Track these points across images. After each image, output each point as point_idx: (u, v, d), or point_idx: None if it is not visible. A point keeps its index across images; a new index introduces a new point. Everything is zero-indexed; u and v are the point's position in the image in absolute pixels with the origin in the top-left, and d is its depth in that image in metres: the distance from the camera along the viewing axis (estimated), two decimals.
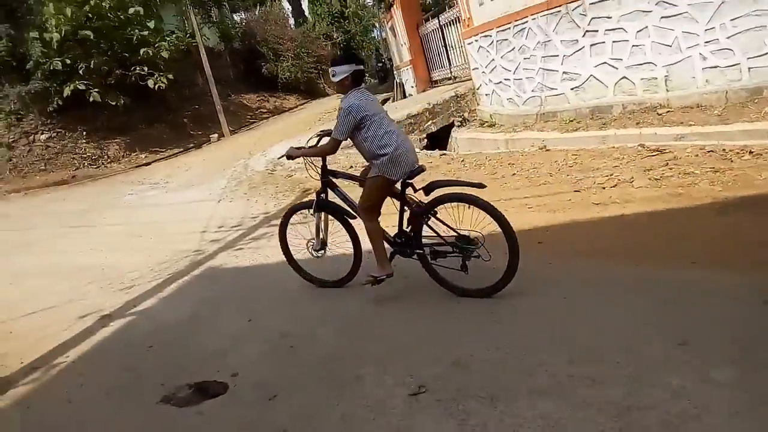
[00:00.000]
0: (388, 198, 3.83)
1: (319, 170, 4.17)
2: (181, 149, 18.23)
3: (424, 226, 3.72)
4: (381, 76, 22.10)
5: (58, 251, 7.68)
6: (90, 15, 16.35)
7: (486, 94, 8.91)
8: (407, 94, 12.42)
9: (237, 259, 5.60)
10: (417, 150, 8.39)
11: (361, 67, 3.77)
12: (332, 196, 4.22)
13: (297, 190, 7.73)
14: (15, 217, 11.20)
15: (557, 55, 7.35)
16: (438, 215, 3.66)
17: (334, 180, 4.18)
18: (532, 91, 7.88)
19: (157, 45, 17.41)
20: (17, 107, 17.34)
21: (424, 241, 3.77)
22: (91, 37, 15.98)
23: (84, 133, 17.85)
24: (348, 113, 3.57)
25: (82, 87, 16.26)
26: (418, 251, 3.79)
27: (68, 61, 16.09)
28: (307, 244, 4.32)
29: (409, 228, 3.80)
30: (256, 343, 3.73)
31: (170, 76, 17.59)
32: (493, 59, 8.45)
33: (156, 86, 17.13)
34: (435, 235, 3.68)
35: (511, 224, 3.42)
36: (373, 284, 3.86)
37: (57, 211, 11.00)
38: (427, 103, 9.10)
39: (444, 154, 7.55)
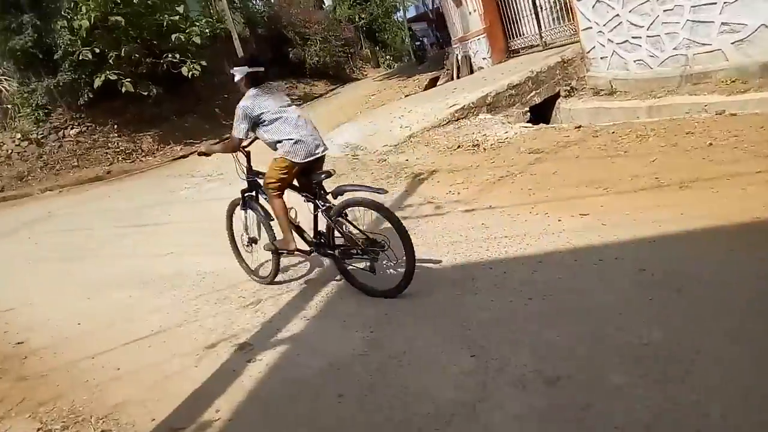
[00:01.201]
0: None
1: (244, 169, 4.37)
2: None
3: (336, 227, 3.78)
4: (419, 56, 20.69)
5: (131, 255, 6.52)
6: (117, 1, 15.02)
7: (602, 57, 7.63)
8: (476, 68, 11.09)
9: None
10: (522, 124, 7.15)
11: (258, 68, 3.91)
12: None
13: (403, 176, 6.49)
14: (62, 216, 10.03)
15: (714, 3, 6.05)
16: (348, 218, 3.73)
17: (258, 180, 4.26)
18: (674, 49, 6.60)
19: (188, 30, 16.07)
20: (45, 101, 16.11)
21: (337, 242, 3.88)
22: (122, 23, 14.66)
23: (115, 126, 16.66)
24: (243, 113, 3.82)
25: (113, 77, 15.03)
26: (329, 251, 3.93)
27: (97, 50, 14.84)
28: (240, 238, 4.60)
29: (322, 228, 3.96)
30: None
31: (203, 63, 16.30)
32: (616, 14, 7.15)
33: (189, 73, 15.88)
34: (348, 235, 3.76)
35: (406, 228, 3.55)
36: (273, 252, 4.19)
37: (107, 208, 9.82)
38: (529, 71, 7.83)
39: (578, 127, 6.29)
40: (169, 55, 15.83)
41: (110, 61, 15.10)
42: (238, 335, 3.77)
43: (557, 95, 8.00)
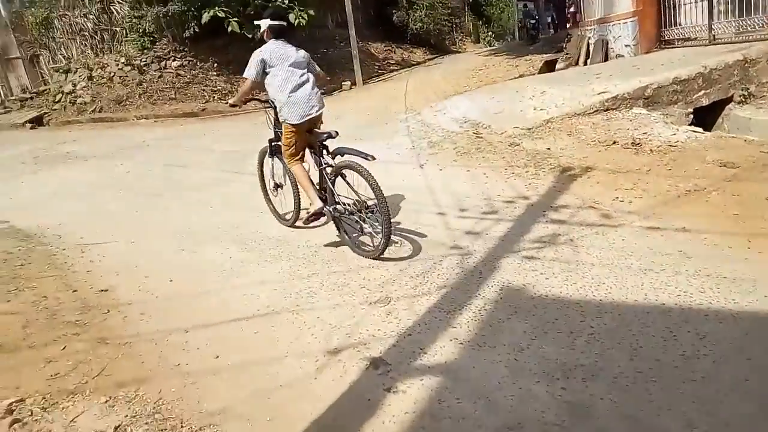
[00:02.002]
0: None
1: (272, 121, 4.47)
2: None
3: (333, 185, 3.96)
4: (532, 35, 19.05)
5: (231, 205, 5.79)
6: None
7: None
8: (612, 55, 9.66)
9: (538, 276, 3.40)
10: (688, 128, 5.86)
11: (280, 22, 4.12)
12: None
13: (546, 167, 5.39)
14: (158, 148, 9.54)
15: None
16: (347, 178, 3.88)
17: None
18: None
19: None
20: (152, 29, 15.74)
21: (335, 199, 3.99)
22: None
23: (215, 65, 16.15)
24: (256, 57, 4.01)
25: (221, 14, 14.38)
26: (327, 207, 4.06)
27: None
28: (267, 184, 4.88)
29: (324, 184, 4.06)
30: None
31: (311, 12, 15.42)
32: None
33: (296, 21, 14.98)
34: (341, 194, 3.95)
35: (384, 196, 3.63)
36: (309, 220, 4.21)
37: (204, 147, 9.22)
38: (701, 67, 6.46)
39: None
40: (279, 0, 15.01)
41: None
42: (368, 344, 2.88)
43: (728, 99, 6.60)
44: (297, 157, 4.13)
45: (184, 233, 5.05)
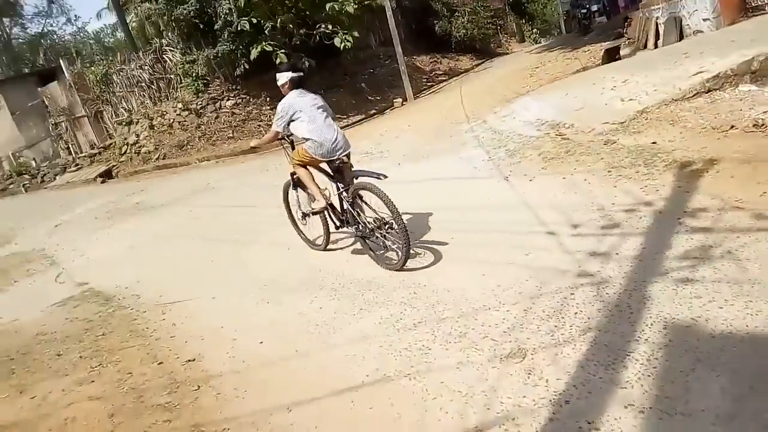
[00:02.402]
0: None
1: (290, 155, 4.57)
2: (363, 116, 15.88)
3: (352, 207, 4.20)
4: (584, 25, 18.03)
5: (306, 246, 5.32)
6: None
7: None
8: (689, 32, 8.69)
9: (706, 305, 2.70)
10: None
11: (299, 74, 4.42)
12: None
13: (659, 165, 4.62)
14: (223, 189, 9.33)
15: None
16: (364, 199, 4.13)
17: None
18: None
19: (341, 0, 14.87)
20: (204, 72, 15.88)
21: (356, 219, 4.21)
22: None
23: (267, 98, 16.05)
24: (282, 110, 4.29)
25: (268, 48, 14.24)
26: (350, 228, 4.36)
27: (254, 21, 14.12)
28: (295, 214, 5.07)
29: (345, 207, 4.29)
30: None
31: (355, 34, 15.10)
32: None
33: (342, 45, 14.69)
34: (361, 214, 4.18)
35: (400, 212, 3.81)
36: (313, 215, 4.62)
37: (267, 184, 8.90)
38: None
39: None
40: (323, 26, 14.79)
41: (266, 32, 14.39)
42: (516, 419, 2.26)
43: None
44: (304, 167, 4.42)
45: (265, 282, 4.61)
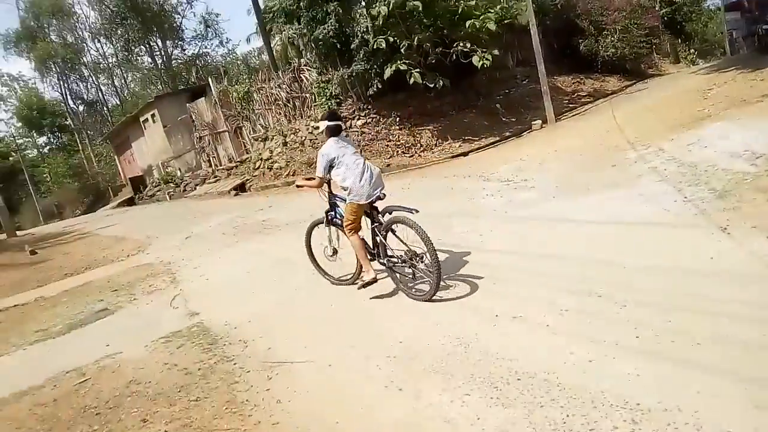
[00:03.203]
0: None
1: (326, 195, 4.81)
2: (497, 138, 14.52)
3: (385, 240, 4.34)
4: (765, 43, 15.23)
5: (454, 301, 4.14)
6: None
7: None
8: None
9: None
10: None
11: (337, 122, 4.57)
12: None
13: None
14: None
15: None
16: (396, 233, 4.23)
17: (337, 201, 4.77)
18: None
19: (482, 17, 13.71)
20: (338, 92, 15.54)
21: (387, 253, 4.40)
22: (419, 9, 12.99)
23: (397, 119, 15.30)
24: (322, 156, 4.45)
25: (403, 67, 13.50)
26: (381, 260, 4.47)
27: (391, 40, 13.45)
28: (324, 251, 5.08)
29: (377, 240, 4.43)
30: None
31: (495, 52, 13.85)
32: None
33: (480, 63, 13.51)
34: (398, 248, 4.28)
35: (434, 245, 3.90)
36: (365, 286, 4.57)
37: None
38: None
39: None
40: (460, 44, 13.74)
41: (401, 50, 13.66)
42: None
43: None
44: (356, 230, 4.48)
45: (394, 348, 3.51)
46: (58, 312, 7.12)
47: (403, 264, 4.27)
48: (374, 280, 4.50)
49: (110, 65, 40.76)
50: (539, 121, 14.47)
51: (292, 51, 20.19)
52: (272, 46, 22.19)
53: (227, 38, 58.97)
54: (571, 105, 17.15)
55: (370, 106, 15.49)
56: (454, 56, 14.00)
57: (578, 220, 5.33)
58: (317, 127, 4.70)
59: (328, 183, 4.75)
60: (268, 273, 6.36)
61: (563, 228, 5.21)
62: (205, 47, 39.09)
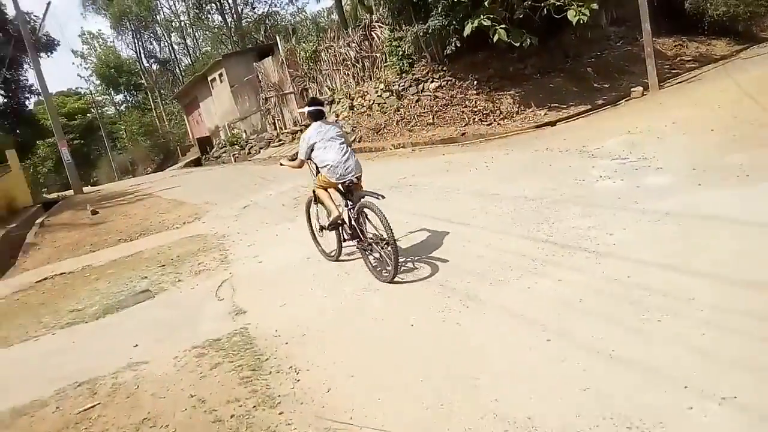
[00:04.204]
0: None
1: (315, 171, 4.82)
2: (589, 106, 12.58)
3: (356, 223, 4.45)
4: None
5: (585, 331, 2.78)
6: None
7: None
8: None
9: None
10: None
11: (318, 107, 4.81)
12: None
13: None
14: (423, 191, 7.18)
15: None
16: (368, 217, 4.35)
17: None
18: None
19: None
20: (411, 51, 14.00)
21: (361, 234, 4.48)
22: None
23: (475, 82, 13.60)
24: (303, 140, 4.68)
25: (486, 23, 11.70)
26: (352, 240, 4.65)
27: None
28: (314, 228, 5.28)
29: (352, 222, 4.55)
30: None
31: (594, 6, 11.79)
32: None
33: (576, 19, 11.50)
34: (362, 229, 4.44)
35: (393, 232, 3.96)
36: (329, 228, 4.80)
37: (479, 190, 6.51)
38: None
39: None
40: None
41: (485, 3, 11.87)
42: None
43: None
44: (323, 190, 4.70)
45: (504, 405, 2.20)
46: (99, 288, 6.33)
47: (371, 247, 4.40)
48: (337, 217, 4.62)
49: (182, 24, 40.63)
50: (639, 88, 12.40)
51: (362, 10, 18.71)
52: (342, 4, 20.75)
53: None
54: (673, 71, 14.79)
55: (445, 68, 13.89)
56: (545, 10, 12.06)
57: (761, 222, 3.77)
58: (303, 112, 4.97)
59: (317, 166, 4.77)
60: (329, 265, 5.19)
61: (741, 232, 3.66)
62: (275, 5, 38.10)
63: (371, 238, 4.36)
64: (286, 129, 17.86)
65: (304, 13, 37.79)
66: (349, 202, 4.55)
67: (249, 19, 36.46)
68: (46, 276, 7.52)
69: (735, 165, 5.22)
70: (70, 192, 17.45)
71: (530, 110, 13.02)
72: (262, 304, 4.46)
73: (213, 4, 35.02)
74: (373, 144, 13.64)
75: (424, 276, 4.19)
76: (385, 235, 4.08)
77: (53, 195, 20.52)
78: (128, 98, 44.78)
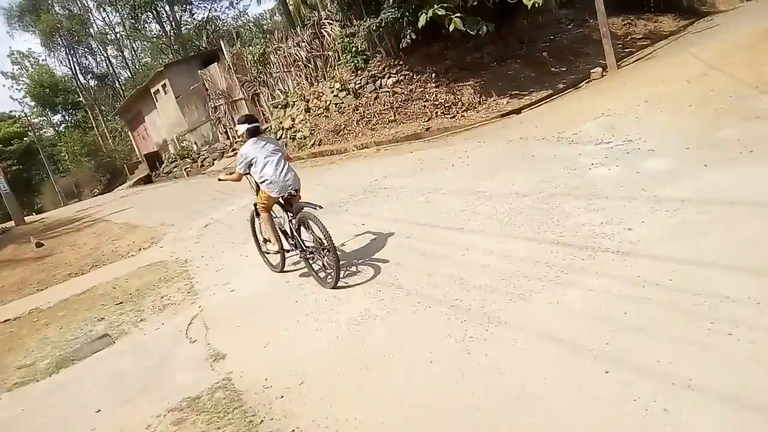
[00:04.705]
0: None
1: (255, 185, 4.88)
2: (551, 91, 12.34)
3: (298, 233, 4.60)
4: None
5: (606, 332, 2.31)
6: None
7: None
8: None
9: None
10: None
11: (255, 124, 4.77)
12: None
13: None
14: (400, 195, 6.65)
15: None
16: (310, 226, 4.39)
17: None
18: None
19: None
20: (364, 47, 13.44)
21: (303, 244, 4.62)
22: None
23: (433, 75, 13.14)
24: (242, 156, 4.70)
25: (441, 12, 11.28)
26: (295, 250, 4.76)
27: None
28: (259, 240, 5.35)
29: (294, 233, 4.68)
30: None
31: None
32: None
33: (531, 3, 11.23)
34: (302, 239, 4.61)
35: (333, 240, 4.13)
36: (270, 253, 5.09)
37: (462, 188, 6.03)
38: None
39: None
40: None
41: None
42: None
43: None
44: (267, 211, 4.80)
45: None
46: (50, 335, 5.52)
47: (313, 255, 4.54)
48: (277, 252, 4.88)
49: (118, 35, 38.58)
50: (599, 69, 12.25)
51: (305, 10, 18.01)
52: (288, 1, 19.97)
53: None
54: (626, 50, 14.77)
55: (401, 62, 13.39)
56: None
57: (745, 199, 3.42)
58: (237, 131, 5.27)
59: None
60: (315, 283, 4.60)
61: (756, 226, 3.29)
62: (215, 10, 36.63)
63: (312, 247, 4.48)
64: (238, 138, 16.99)
65: (246, 17, 36.53)
66: (290, 214, 4.66)
67: (189, 26, 34.93)
68: None
69: (731, 140, 4.93)
70: (12, 223, 16.04)
71: (492, 99, 12.68)
72: (243, 345, 3.84)
73: (149, 13, 33.33)
74: (335, 146, 13.04)
75: (429, 295, 3.66)
76: (325, 243, 4.22)
77: None
78: (67, 118, 42.24)
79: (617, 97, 8.80)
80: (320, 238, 4.29)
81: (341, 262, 4.37)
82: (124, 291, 6.31)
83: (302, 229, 4.55)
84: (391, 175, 8.09)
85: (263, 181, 4.57)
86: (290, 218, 4.64)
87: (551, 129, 7.93)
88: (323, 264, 4.50)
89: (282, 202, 4.70)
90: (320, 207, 4.35)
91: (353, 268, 4.64)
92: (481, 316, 3.15)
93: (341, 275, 4.32)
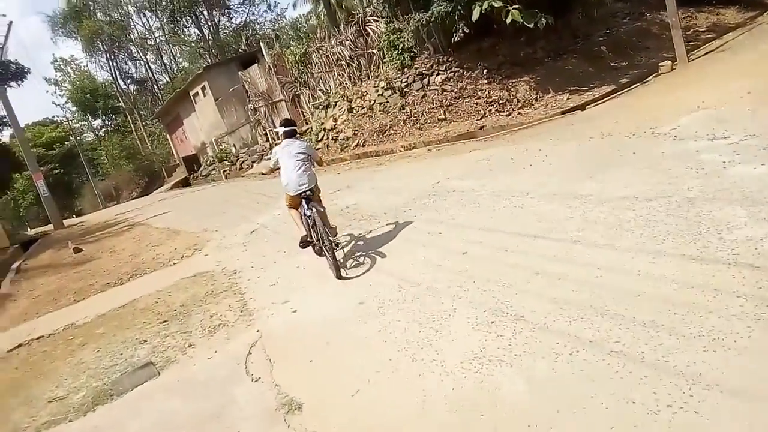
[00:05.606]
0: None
1: None
2: (614, 86, 11.21)
3: (313, 227, 4.99)
4: None
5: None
6: None
7: None
8: None
9: None
10: None
11: (290, 128, 5.35)
12: None
13: None
14: (467, 199, 5.70)
15: None
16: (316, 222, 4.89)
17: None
18: None
19: None
20: (411, 44, 12.56)
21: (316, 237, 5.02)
22: None
23: (484, 71, 12.17)
24: (273, 154, 5.37)
25: (497, 4, 10.32)
26: (313, 241, 5.12)
27: None
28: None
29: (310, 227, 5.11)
30: None
31: None
32: None
33: None
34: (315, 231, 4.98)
35: (327, 233, 4.69)
36: (302, 245, 5.23)
37: (541, 191, 5.06)
38: None
39: None
40: None
41: None
42: None
43: None
44: (294, 207, 5.34)
45: None
46: (86, 359, 4.77)
47: (323, 248, 4.85)
48: (304, 237, 5.15)
49: (157, 40, 38.65)
50: (668, 62, 11.07)
51: (341, 14, 17.24)
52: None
53: (275, 1, 55.23)
54: (691, 43, 13.49)
55: (450, 59, 12.46)
56: None
57: None
58: (277, 132, 5.82)
59: None
60: (399, 307, 3.71)
61: None
62: (253, 13, 36.31)
63: (322, 240, 4.81)
64: (278, 140, 16.33)
65: (283, 19, 36.07)
66: (307, 212, 5.00)
67: (227, 30, 34.65)
68: (21, 342, 5.92)
69: None
70: (51, 227, 15.68)
71: (549, 96, 11.62)
72: (323, 390, 2.96)
73: (188, 18, 33.17)
74: (380, 147, 12.19)
75: (567, 332, 2.73)
76: (323, 239, 4.71)
77: (33, 231, 18.66)
78: (107, 122, 42.59)
79: (708, 90, 7.68)
80: (329, 233, 4.78)
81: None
82: (168, 306, 5.54)
83: (314, 225, 4.95)
84: (455, 177, 7.17)
85: (283, 179, 5.15)
86: (306, 214, 5.04)
87: (638, 124, 6.89)
88: (332, 252, 4.77)
89: (304, 199, 5.05)
90: (324, 208, 5.06)
91: (438, 285, 3.73)
92: (668, 370, 2.20)
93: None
